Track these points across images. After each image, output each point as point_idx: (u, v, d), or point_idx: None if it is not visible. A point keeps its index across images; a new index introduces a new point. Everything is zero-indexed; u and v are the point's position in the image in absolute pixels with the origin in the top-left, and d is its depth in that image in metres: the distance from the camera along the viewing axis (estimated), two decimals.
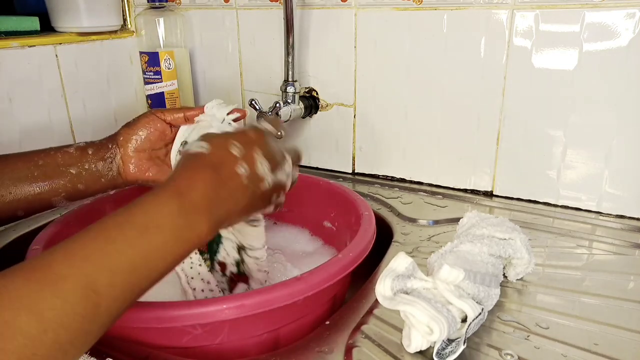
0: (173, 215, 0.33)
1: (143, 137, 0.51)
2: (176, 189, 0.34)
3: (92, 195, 0.51)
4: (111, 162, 0.51)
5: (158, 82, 0.81)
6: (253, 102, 0.72)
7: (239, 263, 0.51)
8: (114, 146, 0.51)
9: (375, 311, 0.44)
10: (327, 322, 0.43)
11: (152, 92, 0.82)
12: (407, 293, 0.39)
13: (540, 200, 0.67)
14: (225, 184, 0.37)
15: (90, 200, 0.60)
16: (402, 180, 0.77)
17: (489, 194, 0.70)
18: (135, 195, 0.63)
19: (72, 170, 0.49)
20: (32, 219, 0.64)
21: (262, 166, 0.40)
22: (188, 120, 0.53)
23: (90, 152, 0.50)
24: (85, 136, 0.81)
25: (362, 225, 0.51)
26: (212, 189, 0.36)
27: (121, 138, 0.52)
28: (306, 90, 0.80)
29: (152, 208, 0.33)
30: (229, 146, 0.38)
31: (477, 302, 0.39)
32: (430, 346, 0.38)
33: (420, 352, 0.39)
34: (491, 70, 0.65)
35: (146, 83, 0.82)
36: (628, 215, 0.62)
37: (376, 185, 0.76)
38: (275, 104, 0.71)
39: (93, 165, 0.50)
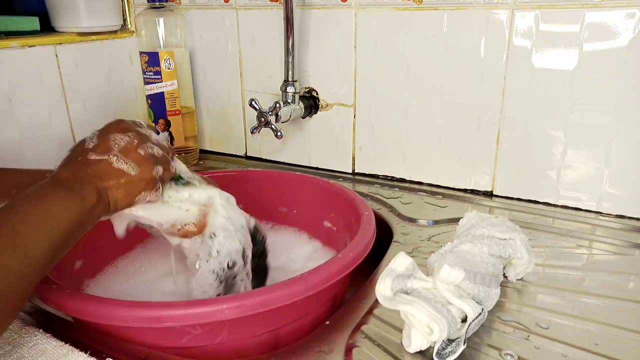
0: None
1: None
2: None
3: None
4: None
5: (158, 82, 0.81)
6: (253, 102, 0.72)
7: None
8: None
9: (375, 311, 0.44)
10: (327, 322, 0.43)
11: (152, 92, 0.82)
12: (407, 293, 0.39)
13: (540, 200, 0.67)
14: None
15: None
16: (402, 180, 0.77)
17: (489, 194, 0.70)
18: None
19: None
20: None
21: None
22: None
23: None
24: (85, 136, 0.81)
25: (362, 225, 0.51)
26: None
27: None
28: (306, 90, 0.80)
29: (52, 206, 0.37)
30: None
31: (477, 302, 0.39)
32: (430, 346, 0.38)
33: (420, 352, 0.39)
34: (491, 70, 0.65)
35: (146, 83, 0.82)
36: (628, 215, 0.62)
37: (376, 185, 0.76)
38: (275, 104, 0.71)
39: None
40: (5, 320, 0.33)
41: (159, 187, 0.46)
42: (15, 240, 0.33)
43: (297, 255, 0.64)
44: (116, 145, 0.44)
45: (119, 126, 0.46)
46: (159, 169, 0.46)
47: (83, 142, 0.45)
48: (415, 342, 0.38)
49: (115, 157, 0.43)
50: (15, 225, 0.34)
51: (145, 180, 0.44)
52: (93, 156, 0.42)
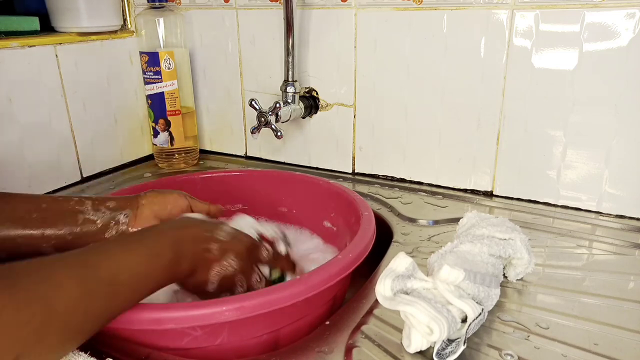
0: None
1: (167, 209, 0.52)
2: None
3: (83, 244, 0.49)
4: (122, 221, 0.50)
5: (158, 82, 0.81)
6: (253, 102, 0.72)
7: None
8: (134, 207, 0.51)
9: (375, 311, 0.44)
10: (327, 322, 0.43)
11: (152, 92, 0.82)
12: (407, 293, 0.39)
13: (540, 200, 0.67)
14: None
15: None
16: (402, 180, 0.77)
17: (489, 194, 0.70)
18: None
19: (76, 219, 0.48)
20: None
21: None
22: (209, 215, 0.55)
23: (107, 207, 0.49)
24: (85, 136, 0.81)
25: (362, 225, 0.51)
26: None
27: (144, 202, 0.51)
28: (306, 90, 0.80)
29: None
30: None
31: (477, 303, 0.39)
32: (430, 346, 0.38)
33: (420, 353, 0.39)
34: (491, 70, 0.65)
35: (146, 83, 0.82)
36: (628, 215, 0.62)
37: (376, 185, 0.76)
38: (275, 104, 0.71)
39: (101, 219, 0.49)
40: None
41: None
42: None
43: (297, 254, 0.64)
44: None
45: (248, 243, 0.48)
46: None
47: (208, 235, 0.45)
48: (415, 342, 0.38)
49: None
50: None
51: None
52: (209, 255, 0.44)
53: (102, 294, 0.34)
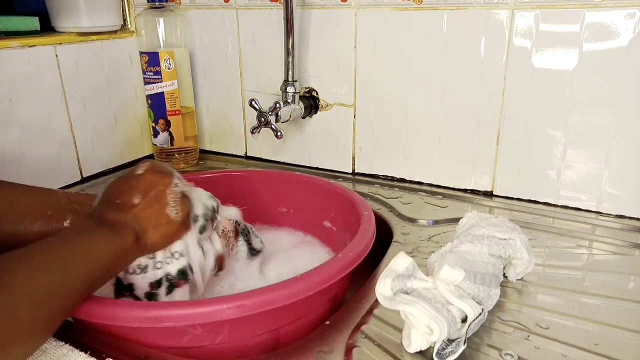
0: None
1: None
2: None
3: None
4: None
5: (158, 82, 0.81)
6: (253, 102, 0.72)
7: None
8: None
9: (375, 311, 0.44)
10: (327, 322, 0.43)
11: (152, 92, 0.82)
12: (407, 293, 0.39)
13: (540, 200, 0.67)
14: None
15: None
16: (402, 180, 0.77)
17: (489, 194, 0.70)
18: None
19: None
20: None
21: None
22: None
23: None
24: (85, 136, 0.81)
25: (361, 225, 0.51)
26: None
27: None
28: (306, 90, 0.80)
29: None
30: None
31: (477, 303, 0.39)
32: (430, 346, 0.38)
33: (420, 352, 0.39)
34: (491, 70, 0.65)
35: (146, 83, 0.82)
36: (628, 215, 0.62)
37: (376, 185, 0.76)
38: (275, 104, 0.71)
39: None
40: (39, 335, 0.34)
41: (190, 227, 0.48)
42: (60, 263, 0.36)
43: (298, 253, 0.64)
44: (154, 189, 0.45)
45: (155, 168, 0.47)
46: (192, 214, 0.48)
47: (122, 181, 0.46)
48: (415, 342, 0.38)
49: (154, 200, 0.44)
50: (62, 250, 0.37)
51: (183, 224, 0.46)
52: (133, 199, 0.44)
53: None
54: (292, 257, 0.63)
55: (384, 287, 0.38)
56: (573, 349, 0.39)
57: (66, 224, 0.47)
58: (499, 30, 0.63)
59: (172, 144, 0.85)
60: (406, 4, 0.68)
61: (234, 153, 0.93)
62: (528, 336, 0.41)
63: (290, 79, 0.74)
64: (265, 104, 0.73)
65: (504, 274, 0.49)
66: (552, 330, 0.42)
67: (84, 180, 0.82)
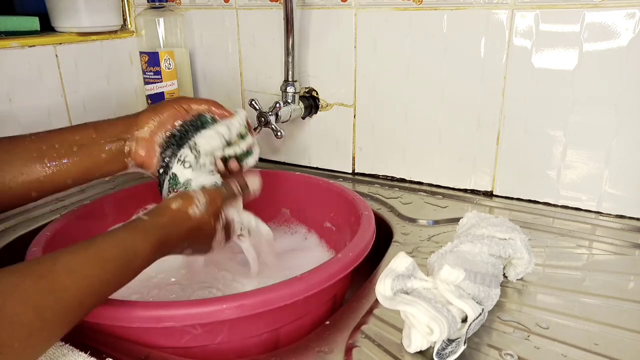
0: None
1: (165, 126, 0.51)
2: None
3: (99, 177, 0.51)
4: (125, 142, 0.50)
5: (158, 82, 0.81)
6: (253, 102, 0.72)
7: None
8: (132, 126, 0.51)
9: (375, 311, 0.44)
10: (327, 322, 0.43)
11: (152, 92, 0.82)
12: (407, 293, 0.39)
13: (540, 200, 0.67)
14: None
15: (89, 202, 0.60)
16: (402, 180, 0.77)
17: (489, 194, 0.70)
18: (134, 197, 0.63)
19: (85, 149, 0.48)
20: (32, 219, 0.64)
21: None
22: (210, 111, 0.54)
23: (106, 130, 0.50)
24: None
25: (361, 225, 0.51)
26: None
27: (143, 119, 0.51)
28: (306, 90, 0.80)
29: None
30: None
31: (477, 302, 0.39)
32: (431, 346, 0.38)
33: (421, 352, 0.39)
34: (491, 70, 0.65)
35: (146, 83, 0.82)
36: (628, 215, 0.62)
37: (376, 185, 0.76)
38: (275, 104, 0.71)
39: (107, 145, 0.49)
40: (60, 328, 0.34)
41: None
42: (94, 258, 0.36)
43: (298, 254, 0.64)
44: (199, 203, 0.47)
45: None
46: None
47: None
48: (415, 342, 0.38)
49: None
50: (100, 246, 0.38)
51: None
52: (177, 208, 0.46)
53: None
54: (292, 257, 0.63)
55: (384, 287, 0.38)
56: (573, 349, 0.39)
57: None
58: (499, 30, 0.63)
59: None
60: (406, 4, 0.68)
61: None
62: (528, 336, 0.41)
63: (290, 79, 0.74)
64: (265, 104, 0.73)
65: (504, 274, 0.49)
66: (552, 330, 0.42)
67: None
